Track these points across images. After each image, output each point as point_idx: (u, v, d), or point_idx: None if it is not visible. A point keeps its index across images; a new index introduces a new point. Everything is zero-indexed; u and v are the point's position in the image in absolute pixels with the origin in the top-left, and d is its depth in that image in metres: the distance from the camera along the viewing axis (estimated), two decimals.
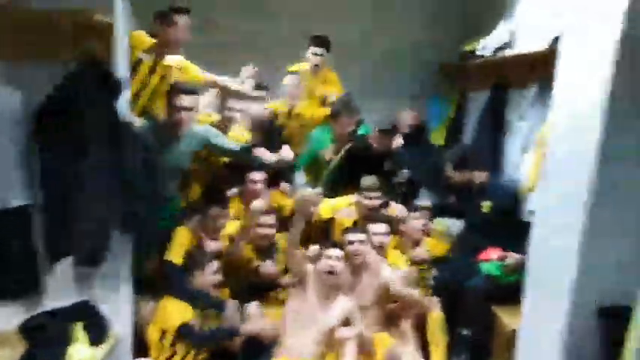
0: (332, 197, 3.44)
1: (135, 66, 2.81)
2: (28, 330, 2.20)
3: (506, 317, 2.71)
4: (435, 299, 2.97)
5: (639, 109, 1.87)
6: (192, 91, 2.90)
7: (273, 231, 3.11)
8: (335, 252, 2.73)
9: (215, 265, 2.77)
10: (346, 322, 2.67)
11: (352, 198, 3.36)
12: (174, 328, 2.54)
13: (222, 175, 3.36)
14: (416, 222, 3.36)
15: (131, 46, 2.74)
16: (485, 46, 3.89)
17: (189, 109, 2.86)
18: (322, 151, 3.71)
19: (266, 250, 3.13)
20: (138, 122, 2.74)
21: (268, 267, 3.06)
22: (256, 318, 2.78)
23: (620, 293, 1.92)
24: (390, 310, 2.91)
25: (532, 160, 2.94)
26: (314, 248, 2.97)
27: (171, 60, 3.05)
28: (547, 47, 3.03)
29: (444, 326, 2.86)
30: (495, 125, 3.74)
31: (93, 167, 2.17)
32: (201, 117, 3.30)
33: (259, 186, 3.24)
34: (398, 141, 3.78)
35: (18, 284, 2.28)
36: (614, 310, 1.94)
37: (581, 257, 1.98)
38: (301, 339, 2.59)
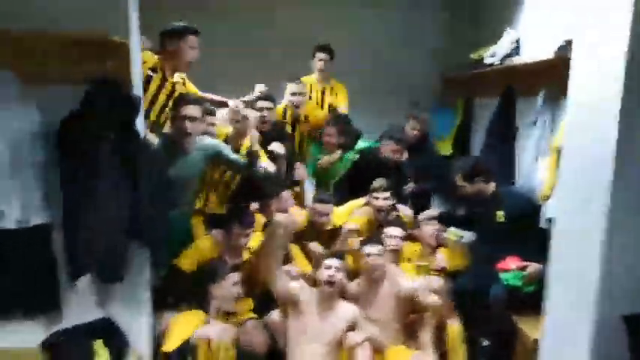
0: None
1: (144, 83, 2.84)
2: (49, 347, 2.21)
3: (527, 327, 2.68)
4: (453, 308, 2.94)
5: None
6: (196, 100, 2.91)
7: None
8: (334, 262, 2.72)
9: (236, 276, 2.76)
10: (351, 329, 2.65)
11: (362, 200, 3.48)
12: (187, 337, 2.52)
13: (244, 189, 3.39)
14: (428, 227, 3.36)
15: None
16: (493, 54, 3.91)
17: (195, 118, 2.85)
18: (318, 161, 3.90)
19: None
20: (154, 140, 2.79)
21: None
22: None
23: None
24: (409, 322, 2.90)
25: (547, 167, 2.93)
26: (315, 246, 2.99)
27: (177, 77, 3.11)
28: (554, 54, 3.05)
29: (463, 337, 2.84)
30: (505, 133, 3.75)
31: (111, 185, 2.20)
32: (218, 130, 3.34)
33: (289, 203, 3.36)
34: (404, 155, 3.85)
35: (38, 302, 2.30)
36: None
37: (604, 264, 1.95)
38: (307, 353, 2.58)
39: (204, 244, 2.93)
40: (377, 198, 3.42)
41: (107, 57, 2.18)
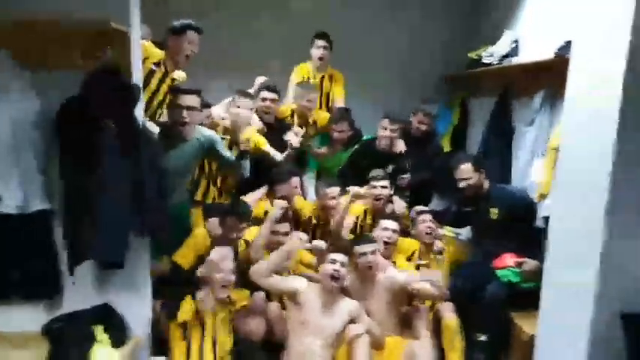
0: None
1: (147, 77, 2.91)
2: (51, 331, 2.23)
3: (523, 323, 2.72)
4: (450, 305, 2.97)
5: None
6: (193, 91, 2.94)
7: (287, 239, 3.12)
8: (338, 257, 2.73)
9: (231, 263, 2.75)
10: (352, 322, 2.67)
11: (362, 189, 3.47)
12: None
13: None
14: (423, 225, 3.36)
15: (143, 57, 2.82)
16: (491, 54, 3.95)
17: (192, 107, 2.90)
18: (316, 150, 3.96)
19: None
20: (154, 127, 2.80)
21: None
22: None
23: None
24: (405, 313, 2.93)
25: (544, 166, 2.98)
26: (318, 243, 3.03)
27: (178, 74, 3.17)
28: (553, 55, 3.08)
29: (459, 331, 2.87)
30: (502, 133, 3.79)
31: (111, 172, 2.20)
32: (213, 122, 3.39)
33: (297, 190, 3.40)
34: (400, 144, 3.85)
35: (38, 287, 2.31)
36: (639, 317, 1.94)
37: (601, 262, 1.97)
38: (308, 346, 2.59)
39: (199, 234, 2.93)
40: (375, 187, 3.45)
41: (107, 44, 2.18)
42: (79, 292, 2.37)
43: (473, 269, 3.17)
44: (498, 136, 3.83)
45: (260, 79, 3.78)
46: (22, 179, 2.21)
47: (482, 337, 2.90)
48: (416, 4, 4.83)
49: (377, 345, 2.69)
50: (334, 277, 2.67)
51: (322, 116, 4.08)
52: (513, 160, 3.68)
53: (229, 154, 3.20)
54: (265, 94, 3.65)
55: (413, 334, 2.82)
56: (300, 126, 3.85)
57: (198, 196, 3.35)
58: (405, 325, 2.90)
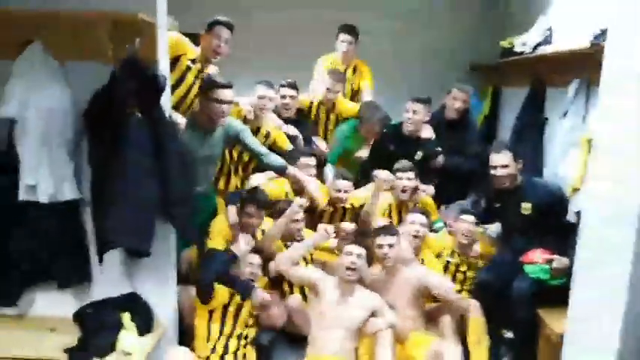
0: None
1: (183, 73, 3.00)
2: (81, 317, 2.29)
3: (551, 321, 2.65)
4: (476, 302, 2.92)
5: None
6: (228, 85, 2.96)
7: (300, 225, 3.14)
8: (355, 249, 2.72)
9: (255, 258, 2.81)
10: (373, 316, 2.66)
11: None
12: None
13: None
14: (464, 224, 3.16)
15: (180, 53, 2.95)
16: (524, 42, 3.83)
17: (229, 102, 2.94)
18: (354, 153, 3.84)
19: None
20: (180, 119, 2.85)
21: None
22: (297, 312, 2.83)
23: None
24: (430, 310, 2.91)
25: (577, 160, 2.87)
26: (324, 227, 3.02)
27: (212, 69, 3.22)
28: (588, 44, 2.98)
29: (485, 328, 2.83)
30: (534, 124, 3.66)
31: (138, 161, 2.23)
32: (237, 109, 3.40)
33: (312, 171, 3.36)
34: (427, 129, 3.75)
35: (69, 274, 2.39)
36: None
37: (634, 259, 1.93)
38: (328, 338, 2.60)
39: (219, 222, 2.96)
40: (401, 178, 3.38)
41: (135, 35, 2.21)
42: (108, 280, 2.43)
43: (501, 265, 3.08)
44: (530, 127, 3.70)
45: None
46: (54, 169, 2.27)
47: (509, 334, 2.85)
48: None
49: (400, 339, 2.67)
50: (351, 269, 2.67)
51: (345, 107, 4.01)
52: (545, 152, 3.58)
53: (256, 142, 3.22)
54: (284, 90, 3.65)
55: (438, 331, 2.79)
56: (327, 116, 3.81)
57: (221, 185, 3.39)
58: (430, 320, 2.87)
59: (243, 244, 2.80)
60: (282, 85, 3.66)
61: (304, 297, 3.00)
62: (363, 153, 3.87)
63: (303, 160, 3.38)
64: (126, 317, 2.26)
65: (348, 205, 3.44)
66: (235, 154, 3.42)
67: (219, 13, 3.09)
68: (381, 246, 2.83)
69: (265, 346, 2.78)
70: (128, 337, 2.20)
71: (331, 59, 4.11)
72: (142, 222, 2.28)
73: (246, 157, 3.48)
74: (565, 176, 3.08)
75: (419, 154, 3.66)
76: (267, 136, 3.46)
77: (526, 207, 3.04)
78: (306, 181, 3.28)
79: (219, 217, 2.99)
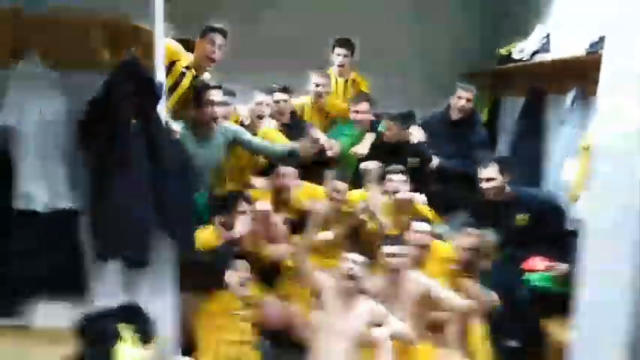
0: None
1: (178, 79, 3.00)
2: (79, 328, 2.26)
3: (554, 329, 2.65)
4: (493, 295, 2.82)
5: None
6: (217, 86, 3.01)
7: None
8: (355, 257, 2.67)
9: (244, 264, 2.82)
10: (376, 325, 2.61)
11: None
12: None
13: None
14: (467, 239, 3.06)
15: (174, 59, 2.94)
16: (522, 50, 3.85)
17: (220, 103, 2.99)
18: (354, 149, 3.77)
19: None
20: (176, 126, 2.84)
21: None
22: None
23: None
24: (434, 319, 2.86)
25: (577, 167, 2.87)
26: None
27: (206, 77, 3.22)
28: (585, 51, 2.99)
29: (487, 337, 2.79)
30: (533, 133, 3.68)
31: (135, 171, 2.21)
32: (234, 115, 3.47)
33: (288, 180, 3.31)
34: (417, 133, 3.72)
35: (67, 285, 2.35)
36: None
37: (638, 266, 1.91)
38: (329, 348, 2.56)
39: (207, 233, 2.94)
40: (391, 180, 3.30)
41: (132, 43, 2.19)
42: (108, 290, 2.38)
43: (501, 273, 3.03)
44: (529, 135, 3.72)
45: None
46: (50, 178, 2.24)
47: (512, 343, 2.83)
48: None
49: (405, 347, 2.64)
50: (350, 277, 2.63)
51: (335, 103, 4.01)
52: (544, 160, 3.58)
53: (255, 138, 3.26)
54: (277, 95, 3.65)
55: (441, 342, 2.76)
56: (320, 116, 3.84)
57: (218, 191, 3.36)
58: (433, 331, 2.83)
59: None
60: (275, 90, 3.67)
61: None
62: (359, 149, 3.78)
63: (281, 170, 3.35)
64: (125, 328, 2.23)
65: (345, 208, 3.37)
66: (232, 161, 3.41)
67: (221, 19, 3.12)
68: (388, 255, 2.78)
69: (267, 353, 2.78)
70: (125, 349, 2.17)
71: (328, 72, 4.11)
72: (140, 232, 2.25)
73: (243, 162, 3.48)
74: (565, 184, 3.08)
75: (416, 161, 3.60)
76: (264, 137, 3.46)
77: (521, 218, 3.05)
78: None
79: (208, 228, 2.97)
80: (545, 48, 3.71)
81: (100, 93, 2.18)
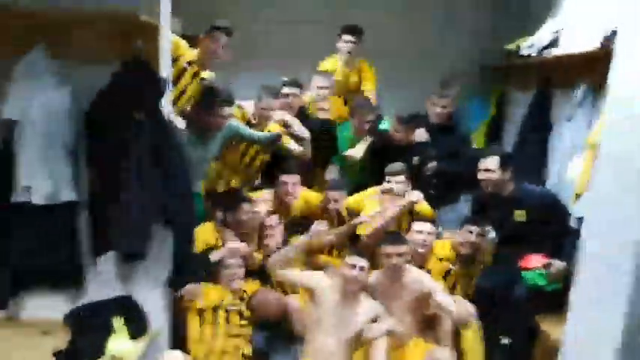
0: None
1: (179, 74, 3.01)
2: (72, 320, 2.27)
3: (548, 326, 2.63)
4: (471, 307, 2.84)
5: None
6: (230, 101, 3.11)
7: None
8: (359, 261, 2.64)
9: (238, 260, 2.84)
10: (372, 322, 2.63)
11: (377, 188, 3.36)
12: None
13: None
14: (466, 235, 3.09)
15: (177, 55, 2.94)
16: (531, 45, 3.78)
17: (231, 116, 3.11)
18: (347, 153, 3.71)
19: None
20: (179, 122, 2.84)
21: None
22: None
23: None
24: (427, 316, 2.85)
25: (582, 165, 2.81)
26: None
27: (207, 74, 3.24)
28: (596, 47, 2.92)
29: (481, 335, 2.78)
30: (539, 128, 3.61)
31: (136, 165, 2.22)
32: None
33: (291, 188, 3.29)
34: (421, 133, 3.69)
35: (63, 277, 2.37)
36: None
37: (635, 266, 1.85)
38: (324, 344, 2.56)
39: (205, 230, 2.98)
40: (389, 182, 3.27)
41: (138, 37, 2.20)
42: (102, 283, 2.41)
43: (498, 271, 3.05)
44: (536, 131, 3.65)
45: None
46: (52, 170, 2.25)
47: (505, 340, 2.81)
48: None
49: (397, 345, 2.63)
50: (353, 282, 2.62)
51: (337, 105, 3.97)
52: (551, 156, 3.52)
53: (250, 130, 3.28)
54: (286, 89, 3.62)
55: (435, 338, 2.75)
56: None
57: (222, 188, 3.38)
58: (427, 328, 2.83)
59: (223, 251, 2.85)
60: (284, 84, 3.63)
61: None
62: (354, 152, 3.72)
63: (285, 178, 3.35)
64: (117, 321, 2.23)
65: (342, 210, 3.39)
66: (235, 157, 3.40)
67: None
68: (389, 255, 2.75)
69: (260, 345, 2.80)
70: (117, 341, 2.17)
71: (333, 60, 4.06)
72: (140, 225, 2.27)
73: (247, 159, 3.46)
74: (570, 181, 3.03)
75: (414, 160, 3.58)
76: None
77: (520, 214, 3.02)
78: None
79: (206, 225, 3.00)
80: (554, 43, 3.64)
81: (105, 87, 2.21)
